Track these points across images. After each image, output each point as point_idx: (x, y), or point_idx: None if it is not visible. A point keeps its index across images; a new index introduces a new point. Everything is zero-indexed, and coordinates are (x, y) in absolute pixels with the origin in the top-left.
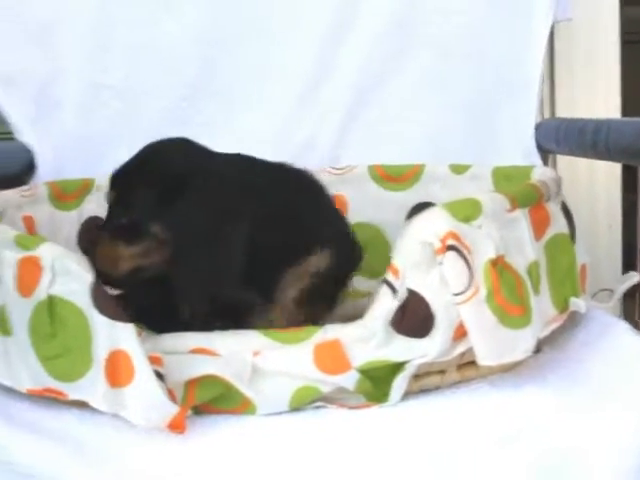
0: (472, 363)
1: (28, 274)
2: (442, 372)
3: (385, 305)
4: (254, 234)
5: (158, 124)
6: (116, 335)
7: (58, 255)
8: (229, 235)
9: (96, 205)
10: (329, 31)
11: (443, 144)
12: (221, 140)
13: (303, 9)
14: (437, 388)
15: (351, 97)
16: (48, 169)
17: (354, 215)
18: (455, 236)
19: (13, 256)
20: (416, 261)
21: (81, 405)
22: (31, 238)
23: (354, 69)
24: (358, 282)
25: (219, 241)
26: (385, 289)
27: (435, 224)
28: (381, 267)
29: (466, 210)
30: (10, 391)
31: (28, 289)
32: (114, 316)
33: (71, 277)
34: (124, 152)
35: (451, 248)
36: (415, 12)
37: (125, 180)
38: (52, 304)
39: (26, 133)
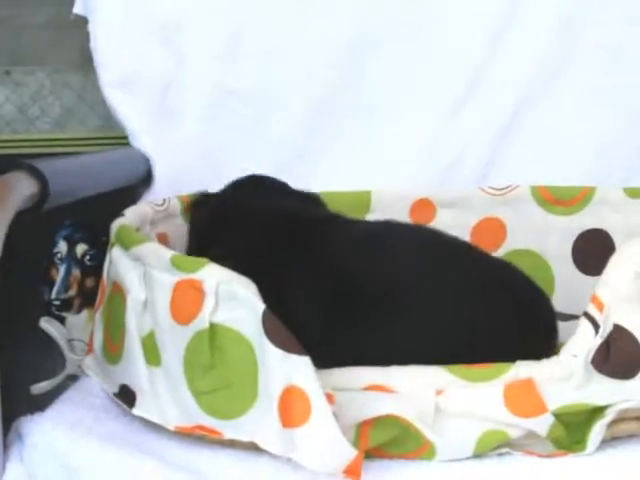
0: None
1: (187, 299)
2: (639, 419)
3: (586, 341)
4: None
5: (290, 135)
6: (291, 369)
7: (224, 279)
8: None
9: None
10: (486, 35)
11: (613, 163)
12: (359, 156)
13: (457, 13)
14: (631, 436)
15: (508, 108)
16: (165, 180)
17: (513, 241)
18: None
19: (168, 279)
20: (625, 294)
21: (232, 444)
22: (191, 259)
23: (512, 76)
24: None
25: None
26: (586, 324)
27: None
28: None
29: None
30: (154, 427)
31: (186, 316)
32: (289, 347)
33: (238, 303)
34: (250, 164)
35: None
36: (584, 13)
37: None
38: (213, 333)
39: (142, 140)
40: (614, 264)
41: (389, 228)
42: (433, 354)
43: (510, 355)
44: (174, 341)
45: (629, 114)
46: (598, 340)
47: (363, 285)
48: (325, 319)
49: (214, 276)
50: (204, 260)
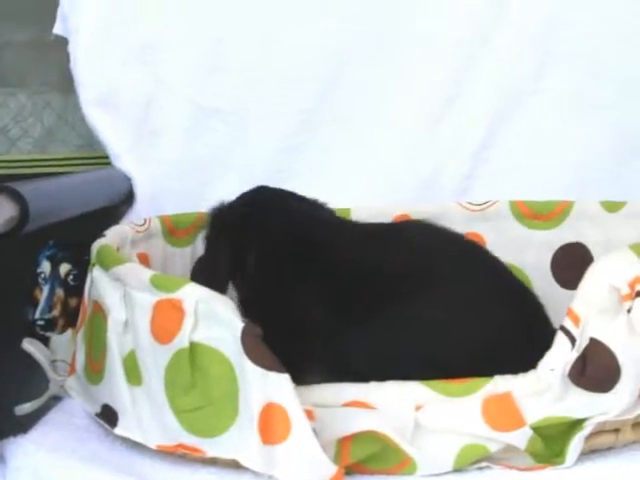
0: None
1: (167, 319)
2: (616, 431)
3: (562, 355)
4: None
5: (270, 151)
6: (270, 387)
7: (203, 298)
8: None
9: None
10: (462, 50)
11: (590, 177)
12: (339, 171)
13: (434, 28)
14: (609, 448)
15: (485, 122)
16: (146, 199)
17: None
18: None
19: (148, 299)
20: (601, 308)
21: (213, 462)
22: (171, 279)
23: (488, 92)
24: None
25: None
26: (562, 337)
27: (623, 267)
28: None
29: None
30: (137, 446)
31: (167, 335)
32: (269, 365)
33: (217, 322)
34: (232, 182)
35: None
36: (557, 27)
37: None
38: (193, 351)
39: (124, 160)
40: (590, 278)
41: (398, 229)
42: (437, 357)
43: (512, 368)
44: (155, 360)
45: (608, 126)
46: (575, 354)
47: (371, 282)
48: (331, 316)
49: (193, 295)
50: (183, 279)
